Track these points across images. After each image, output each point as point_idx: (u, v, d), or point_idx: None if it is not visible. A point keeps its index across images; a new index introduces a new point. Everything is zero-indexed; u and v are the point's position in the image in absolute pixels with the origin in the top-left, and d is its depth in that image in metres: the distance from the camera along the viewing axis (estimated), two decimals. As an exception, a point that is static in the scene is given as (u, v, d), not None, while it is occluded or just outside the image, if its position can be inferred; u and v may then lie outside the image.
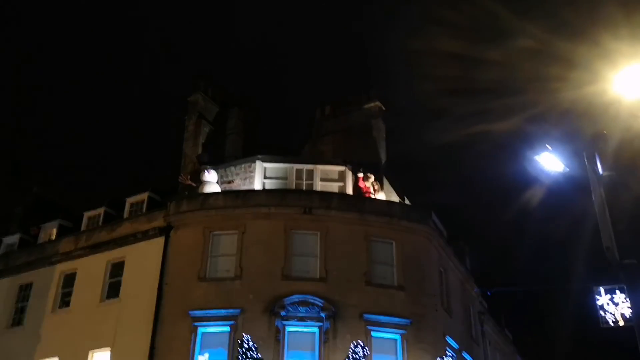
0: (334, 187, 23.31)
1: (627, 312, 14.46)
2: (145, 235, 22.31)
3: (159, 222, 22.17)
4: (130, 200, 25.11)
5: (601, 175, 6.41)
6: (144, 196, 24.87)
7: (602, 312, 15.46)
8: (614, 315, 15.28)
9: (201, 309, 19.83)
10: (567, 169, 7.44)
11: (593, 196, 6.47)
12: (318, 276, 20.41)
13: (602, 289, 15.63)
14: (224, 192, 22.82)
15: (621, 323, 14.94)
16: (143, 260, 21.90)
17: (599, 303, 15.55)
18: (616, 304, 15.30)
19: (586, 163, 6.54)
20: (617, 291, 15.16)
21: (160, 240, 21.73)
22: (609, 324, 15.21)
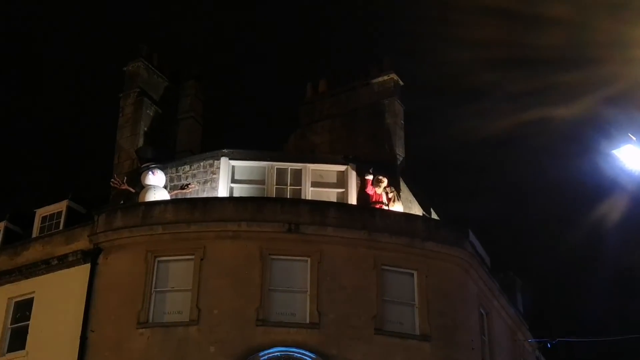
0: (331, 194, 23.42)
1: None
2: (63, 262, 22.29)
3: (83, 243, 22.17)
4: (41, 212, 25.12)
5: None
6: (61, 206, 24.91)
7: None
8: None
9: (141, 366, 19.81)
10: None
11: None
12: (308, 321, 20.45)
13: None
14: (174, 201, 22.82)
15: None
16: (60, 297, 21.86)
17: None
18: None
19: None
20: None
21: (84, 269, 21.71)
22: None
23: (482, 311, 23.59)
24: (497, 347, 24.05)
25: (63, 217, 24.58)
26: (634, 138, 7.66)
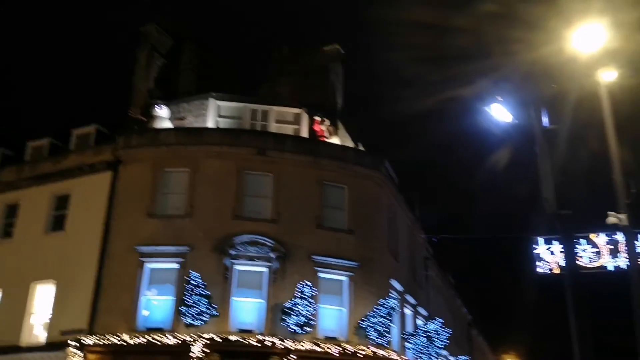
0: (288, 129, 23.38)
1: (562, 261, 15.46)
2: (93, 169, 22.03)
3: (107, 155, 21.89)
4: (77, 131, 24.60)
5: (546, 128, 6.79)
6: (91, 128, 24.41)
7: (538, 261, 16.53)
8: (549, 263, 16.38)
9: (149, 245, 19.97)
10: (515, 121, 7.84)
11: (536, 148, 6.87)
12: (269, 217, 20.74)
13: (540, 239, 16.68)
14: (175, 129, 22.60)
15: (556, 271, 16.05)
16: (90, 194, 21.70)
17: (536, 252, 16.60)
18: (552, 253, 16.38)
19: (533, 115, 6.90)
20: (555, 241, 16.21)
21: (108, 175, 21.53)
22: (544, 272, 16.31)
23: (391, 215, 24.15)
24: (399, 240, 24.78)
25: (93, 136, 24.11)
26: (500, 99, 7.94)
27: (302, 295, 19.21)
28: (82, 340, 18.73)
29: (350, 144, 24.49)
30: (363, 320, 20.19)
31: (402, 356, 21.45)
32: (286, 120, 23.69)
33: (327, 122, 23.41)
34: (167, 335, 18.48)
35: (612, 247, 15.15)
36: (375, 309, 20.34)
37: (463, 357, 29.61)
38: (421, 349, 22.98)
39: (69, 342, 18.82)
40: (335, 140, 23.35)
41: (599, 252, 15.77)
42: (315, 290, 19.62)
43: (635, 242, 14.64)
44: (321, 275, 20.49)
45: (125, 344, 18.42)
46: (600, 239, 15.80)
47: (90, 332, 19.13)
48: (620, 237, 11.61)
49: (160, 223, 20.46)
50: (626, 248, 10.96)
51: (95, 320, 19.42)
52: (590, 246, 15.71)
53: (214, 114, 23.35)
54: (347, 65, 26.41)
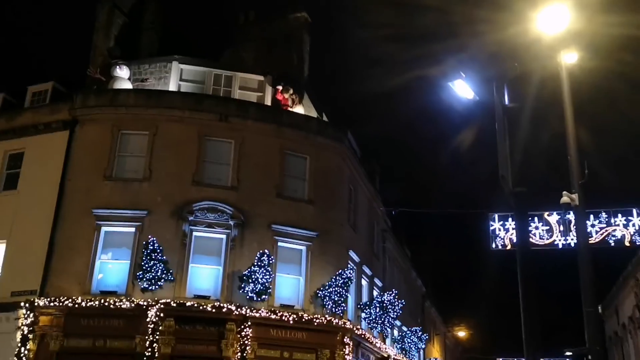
0: (252, 96, 23.16)
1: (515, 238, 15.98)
2: (48, 128, 21.41)
3: (64, 114, 21.28)
4: (32, 88, 23.82)
5: (507, 105, 6.91)
6: (47, 86, 23.68)
7: (493, 237, 17.02)
8: (503, 239, 16.90)
9: (106, 208, 19.67)
10: (477, 97, 7.95)
11: (496, 125, 7.00)
12: (229, 184, 20.64)
13: (496, 216, 17.17)
14: (135, 90, 22.10)
15: (508, 247, 16.60)
16: (44, 153, 21.15)
17: (491, 228, 17.10)
18: (507, 230, 16.88)
19: (494, 93, 7.00)
20: (510, 218, 16.71)
21: (64, 134, 20.97)
22: (498, 248, 16.84)
23: (351, 187, 24.37)
24: (359, 212, 25.07)
25: (49, 94, 23.39)
26: (463, 75, 8.02)
27: (260, 264, 19.27)
28: (33, 302, 18.43)
29: (314, 114, 24.43)
30: (320, 290, 20.44)
31: (357, 326, 21.86)
32: (250, 87, 23.42)
33: (290, 90, 23.22)
34: (122, 299, 18.35)
35: (563, 225, 15.71)
36: (332, 279, 20.59)
37: (415, 328, 30.40)
38: (375, 319, 23.46)
39: (21, 303, 18.50)
40: (299, 109, 23.23)
41: (551, 230, 16.36)
42: (273, 258, 19.71)
43: (587, 222, 15.23)
44: (280, 244, 20.58)
45: (78, 306, 18.22)
46: (553, 217, 16.39)
47: (42, 293, 18.83)
48: (572, 216, 11.99)
49: (117, 186, 20.12)
50: (575, 227, 11.34)
51: (48, 282, 19.10)
52: (542, 224, 16.28)
53: (176, 77, 22.89)
54: (316, 40, 26.23)
